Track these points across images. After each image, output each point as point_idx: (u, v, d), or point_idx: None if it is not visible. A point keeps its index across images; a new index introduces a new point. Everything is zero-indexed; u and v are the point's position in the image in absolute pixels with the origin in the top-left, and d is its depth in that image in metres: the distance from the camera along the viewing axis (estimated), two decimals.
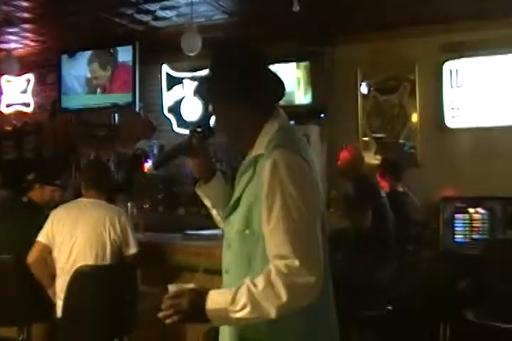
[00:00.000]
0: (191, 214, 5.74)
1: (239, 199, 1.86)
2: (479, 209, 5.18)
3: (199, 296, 1.70)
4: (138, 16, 5.84)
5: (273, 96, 1.92)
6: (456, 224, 5.24)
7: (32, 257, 3.75)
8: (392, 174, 5.02)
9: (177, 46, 5.47)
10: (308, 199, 1.72)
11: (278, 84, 1.93)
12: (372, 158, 5.90)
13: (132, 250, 3.79)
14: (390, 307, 4.09)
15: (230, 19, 5.88)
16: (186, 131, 6.72)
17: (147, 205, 5.58)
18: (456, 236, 5.22)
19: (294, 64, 6.29)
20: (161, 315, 1.69)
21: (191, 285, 1.76)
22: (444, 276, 4.42)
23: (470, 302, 4.09)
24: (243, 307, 1.65)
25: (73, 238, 3.69)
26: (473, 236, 5.15)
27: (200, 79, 1.99)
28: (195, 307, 1.69)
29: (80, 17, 5.72)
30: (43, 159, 6.73)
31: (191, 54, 5.58)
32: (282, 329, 1.79)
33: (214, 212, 2.10)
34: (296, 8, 4.88)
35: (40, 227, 3.79)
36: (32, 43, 6.72)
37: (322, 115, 6.02)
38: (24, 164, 6.60)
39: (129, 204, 4.70)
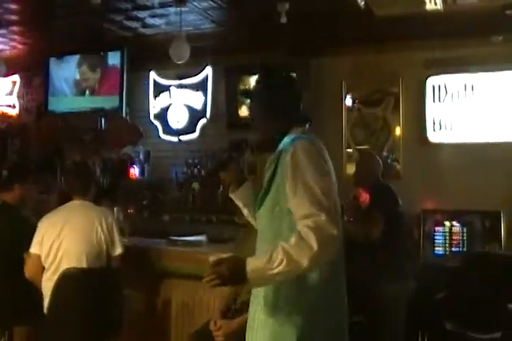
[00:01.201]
0: (175, 220, 5.77)
1: (266, 192, 2.22)
2: (459, 223, 5.28)
3: (238, 261, 2.00)
4: (127, 23, 5.86)
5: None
6: (436, 237, 5.35)
7: (30, 271, 3.76)
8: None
9: (165, 53, 5.49)
10: (324, 173, 2.11)
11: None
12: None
13: (118, 250, 3.82)
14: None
15: (217, 28, 5.93)
16: (173, 138, 6.77)
17: (132, 210, 5.60)
18: (435, 248, 5.32)
19: None
20: (205, 280, 1.97)
21: (229, 254, 2.04)
22: (424, 287, 4.49)
23: (449, 313, 4.18)
24: (280, 263, 1.94)
25: (60, 239, 3.71)
26: (453, 249, 5.26)
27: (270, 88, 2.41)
28: (236, 271, 1.97)
29: (68, 21, 5.72)
30: (27, 161, 6.69)
31: (179, 62, 5.61)
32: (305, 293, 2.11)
33: (245, 211, 2.50)
34: (283, 19, 4.95)
35: (15, 229, 3.81)
36: (19, 46, 6.69)
37: (307, 126, 6.07)
38: (7, 165, 6.56)
39: (115, 208, 4.73)
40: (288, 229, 2.09)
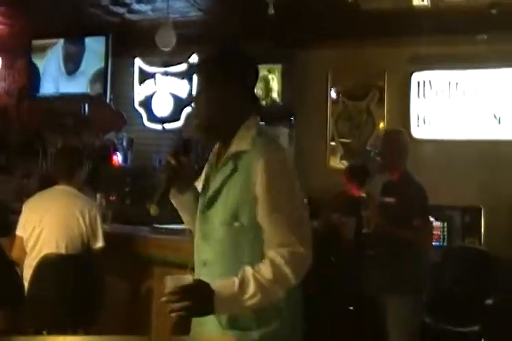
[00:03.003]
0: (158, 208, 5.74)
1: (218, 193, 1.95)
2: (439, 218, 5.34)
3: (206, 290, 1.78)
4: (113, 8, 5.81)
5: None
6: None
7: (16, 254, 3.73)
8: (357, 180, 5.11)
9: (151, 40, 5.47)
10: (298, 194, 1.92)
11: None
12: (338, 163, 6.04)
13: (99, 244, 3.78)
14: (351, 308, 4.20)
15: (204, 17, 5.90)
16: (157, 126, 6.73)
17: (114, 197, 5.57)
18: None
19: (265, 65, 6.36)
20: (168, 309, 1.74)
21: (190, 277, 1.81)
22: None
23: (428, 307, 4.23)
24: (253, 296, 1.79)
25: (41, 226, 3.68)
26: (433, 244, 5.31)
27: (212, 59, 2.06)
28: (204, 301, 1.76)
29: (52, 3, 5.64)
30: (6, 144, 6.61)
31: (165, 49, 5.59)
32: (268, 314, 1.91)
33: (185, 218, 2.16)
34: (271, 11, 4.95)
35: None
36: (2, 26, 6.60)
37: (291, 117, 6.11)
38: None
39: (98, 195, 4.70)
40: (249, 248, 1.90)
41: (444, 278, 4.59)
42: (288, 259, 1.81)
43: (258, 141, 1.93)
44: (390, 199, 3.68)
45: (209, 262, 2.00)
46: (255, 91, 2.07)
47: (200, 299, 1.76)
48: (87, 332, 3.65)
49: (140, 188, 5.86)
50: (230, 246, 1.93)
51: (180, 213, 2.18)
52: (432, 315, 4.29)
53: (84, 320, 3.72)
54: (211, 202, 1.97)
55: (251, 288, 1.78)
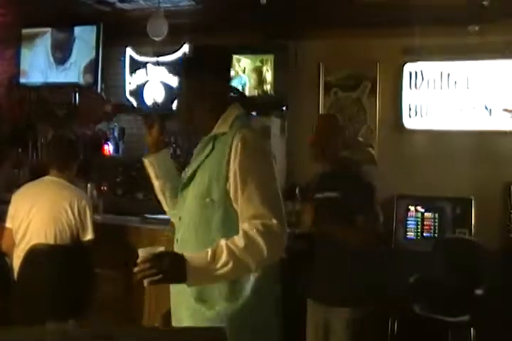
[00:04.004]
0: (150, 198, 5.73)
1: (194, 173, 2.09)
2: (431, 208, 5.37)
3: (177, 257, 1.84)
4: None
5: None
6: (408, 222, 5.43)
7: (5, 244, 3.72)
8: None
9: (142, 30, 5.44)
10: (273, 171, 2.02)
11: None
12: None
13: (89, 236, 3.76)
14: None
15: (196, 6, 5.87)
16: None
17: (105, 188, 5.55)
18: (408, 233, 5.40)
19: (258, 55, 6.34)
20: (139, 276, 1.79)
21: (162, 248, 1.86)
22: (395, 272, 4.56)
23: (418, 297, 4.26)
24: (225, 265, 1.83)
25: (30, 217, 3.67)
26: (424, 234, 5.35)
27: (194, 56, 2.36)
28: (176, 267, 1.81)
29: None
30: None
31: (157, 39, 5.56)
32: (235, 288, 2.00)
33: (156, 184, 2.30)
34: (263, 0, 4.94)
35: None
36: None
37: (284, 108, 6.10)
38: None
39: (88, 185, 4.69)
40: (220, 223, 1.99)
41: (435, 268, 4.62)
42: (261, 230, 1.86)
43: (236, 123, 2.08)
44: (326, 193, 3.26)
45: (182, 239, 2.10)
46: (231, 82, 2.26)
47: (171, 265, 1.79)
48: (78, 323, 3.64)
49: (131, 178, 5.85)
50: (201, 222, 2.03)
51: (155, 181, 2.30)
52: (422, 305, 4.31)
53: (75, 312, 3.71)
54: (188, 182, 2.11)
55: (223, 257, 1.83)
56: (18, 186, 4.01)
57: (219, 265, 1.82)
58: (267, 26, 5.96)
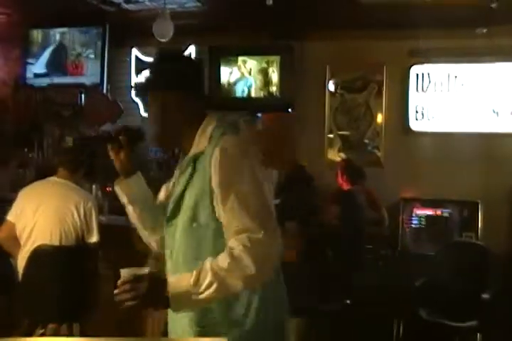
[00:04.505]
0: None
1: (180, 198, 1.92)
2: (437, 211, 5.34)
3: (158, 281, 1.73)
4: None
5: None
6: (414, 225, 5.40)
7: (1, 235, 3.71)
8: (348, 176, 5.06)
9: (148, 30, 5.43)
10: (259, 177, 1.83)
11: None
12: (335, 156, 6.02)
13: (94, 238, 3.76)
14: (348, 302, 4.18)
15: (202, 8, 5.86)
16: None
17: (110, 188, 5.53)
18: (414, 236, 5.37)
19: (264, 57, 6.33)
20: (117, 298, 1.69)
21: (146, 270, 1.77)
22: (401, 275, 4.54)
23: (425, 302, 4.23)
24: (208, 287, 1.69)
25: (35, 217, 3.67)
26: (431, 238, 5.32)
27: (154, 67, 2.07)
28: (156, 292, 1.70)
29: None
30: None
31: (163, 40, 5.55)
32: (237, 312, 1.86)
33: (129, 209, 2.12)
34: (269, 1, 4.92)
35: None
36: None
37: (290, 109, 6.08)
38: None
39: (93, 186, 4.67)
40: (211, 247, 1.84)
41: (441, 272, 4.59)
42: (247, 246, 1.71)
43: (214, 135, 1.90)
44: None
45: (172, 271, 1.97)
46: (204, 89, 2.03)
47: (150, 290, 1.69)
48: (82, 326, 3.64)
49: None
50: (192, 246, 1.89)
51: (126, 203, 2.12)
52: (428, 309, 4.28)
53: (78, 313, 3.71)
54: (175, 211, 1.94)
55: (207, 279, 1.70)
56: (24, 186, 3.99)
57: (202, 288, 1.69)
58: (273, 27, 5.94)
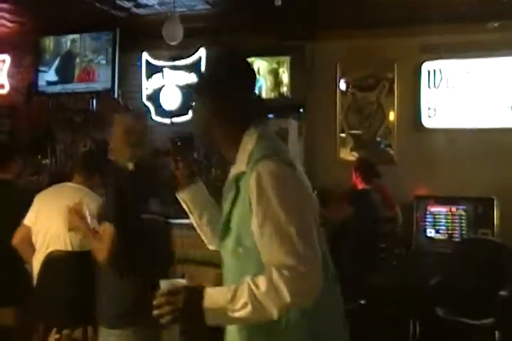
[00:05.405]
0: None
1: (228, 221, 1.85)
2: (451, 209, 5.29)
3: (195, 294, 1.66)
4: (120, 2, 5.80)
5: (252, 111, 1.91)
6: (428, 223, 5.36)
7: (16, 239, 3.74)
8: (363, 175, 5.04)
9: (158, 34, 5.44)
10: (298, 205, 1.72)
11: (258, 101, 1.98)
12: (348, 155, 6.00)
13: None
14: (362, 302, 4.16)
15: (212, 10, 5.87)
16: (165, 120, 6.69)
17: None
18: (428, 234, 5.33)
19: (274, 57, 6.32)
20: (155, 313, 1.65)
21: (184, 281, 1.73)
22: (416, 273, 4.50)
23: (441, 300, 4.18)
24: (243, 307, 1.62)
25: (49, 222, 3.69)
26: (445, 235, 5.27)
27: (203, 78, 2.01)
28: (192, 306, 1.64)
29: (59, 0, 5.63)
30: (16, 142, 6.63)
31: (173, 43, 5.56)
32: (291, 331, 1.77)
33: (192, 218, 2.08)
34: (278, 2, 4.91)
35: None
36: (9, 24, 6.60)
37: (301, 110, 6.06)
38: None
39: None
40: (255, 271, 1.72)
41: (457, 269, 4.54)
42: (286, 275, 1.61)
43: (253, 155, 1.79)
44: None
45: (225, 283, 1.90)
46: (254, 95, 1.95)
47: (189, 303, 1.64)
48: (96, 329, 3.64)
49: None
50: (238, 271, 1.82)
51: (190, 216, 2.09)
52: (444, 307, 4.24)
53: (92, 318, 3.71)
54: (225, 232, 1.87)
55: (243, 298, 1.63)
56: (38, 192, 4.03)
57: (238, 306, 1.62)
58: (283, 28, 5.93)
